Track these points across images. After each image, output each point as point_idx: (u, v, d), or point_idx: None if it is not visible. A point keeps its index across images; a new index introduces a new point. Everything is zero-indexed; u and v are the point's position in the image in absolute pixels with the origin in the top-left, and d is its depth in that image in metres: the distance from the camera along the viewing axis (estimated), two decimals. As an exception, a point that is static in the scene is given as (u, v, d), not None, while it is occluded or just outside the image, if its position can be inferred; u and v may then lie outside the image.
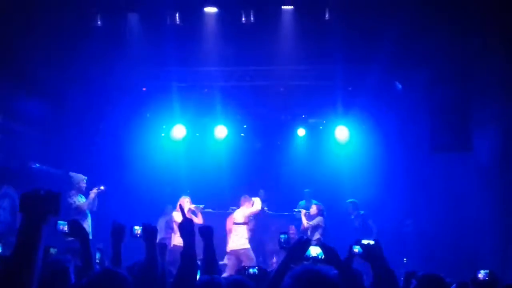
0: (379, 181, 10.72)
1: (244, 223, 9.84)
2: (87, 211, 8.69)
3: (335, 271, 3.29)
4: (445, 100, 9.01)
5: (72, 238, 3.87)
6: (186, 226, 3.41)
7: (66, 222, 3.81)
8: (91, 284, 2.63)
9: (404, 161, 10.24)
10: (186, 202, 10.08)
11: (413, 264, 9.63)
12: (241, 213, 9.87)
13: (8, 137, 9.24)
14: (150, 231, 3.65)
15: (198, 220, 10.19)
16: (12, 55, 8.39)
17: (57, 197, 2.16)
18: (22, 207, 2.09)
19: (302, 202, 10.76)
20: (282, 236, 3.70)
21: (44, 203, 2.11)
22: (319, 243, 3.46)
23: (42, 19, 8.28)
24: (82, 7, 8.44)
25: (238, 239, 9.72)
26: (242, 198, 10.01)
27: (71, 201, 8.57)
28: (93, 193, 8.91)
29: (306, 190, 10.99)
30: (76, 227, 3.73)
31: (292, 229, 10.58)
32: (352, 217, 10.30)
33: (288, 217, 10.98)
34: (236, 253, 9.62)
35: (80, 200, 8.75)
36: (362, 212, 10.27)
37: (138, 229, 3.74)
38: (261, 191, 11.90)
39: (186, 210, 9.98)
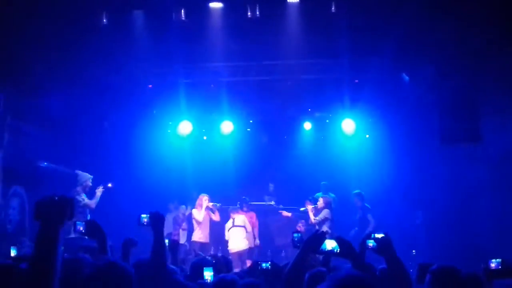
0: (387, 174, 10.72)
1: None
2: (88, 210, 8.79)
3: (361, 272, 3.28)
4: (453, 91, 8.97)
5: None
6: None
7: (83, 223, 3.83)
8: (94, 276, 2.67)
9: (411, 153, 10.21)
10: (204, 200, 10.28)
11: (422, 256, 9.64)
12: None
13: (16, 137, 9.26)
14: (157, 219, 3.66)
15: (215, 217, 10.52)
16: (18, 55, 8.40)
17: (71, 202, 2.20)
18: (38, 214, 2.12)
19: (319, 194, 10.73)
20: (295, 235, 3.71)
21: (59, 208, 2.15)
22: (333, 237, 3.46)
23: (48, 18, 8.27)
24: (88, 5, 8.41)
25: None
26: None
27: (79, 198, 8.63)
28: (99, 191, 8.98)
29: (323, 182, 10.99)
30: (93, 227, 3.75)
31: (301, 226, 10.61)
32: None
33: (295, 211, 11.00)
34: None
35: (85, 198, 8.82)
36: (368, 205, 10.29)
37: (145, 217, 3.74)
38: (271, 185, 11.96)
39: (204, 208, 10.12)
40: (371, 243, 3.66)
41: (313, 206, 10.26)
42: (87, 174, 9.05)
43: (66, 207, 2.16)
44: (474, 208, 8.92)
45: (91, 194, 9.01)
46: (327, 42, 9.36)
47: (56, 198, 2.16)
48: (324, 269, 3.54)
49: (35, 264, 2.04)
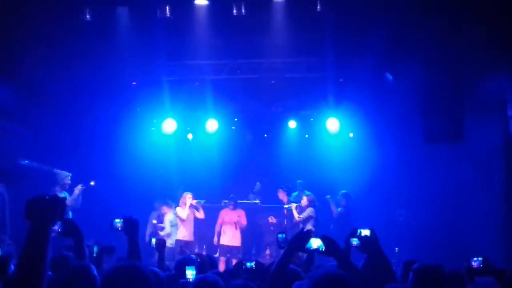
0: (371, 172, 10.79)
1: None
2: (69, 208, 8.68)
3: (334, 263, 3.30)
4: (437, 91, 9.04)
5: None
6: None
7: (59, 222, 3.75)
8: (65, 279, 2.71)
9: (396, 152, 10.28)
10: (188, 198, 10.25)
11: (406, 254, 9.72)
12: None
13: (-3, 134, 9.12)
14: (131, 224, 3.61)
15: (200, 215, 10.55)
16: (0, 53, 8.27)
17: (62, 202, 2.17)
18: (29, 214, 2.09)
19: (295, 193, 10.81)
20: (280, 235, 3.70)
21: (50, 208, 2.11)
22: (317, 235, 3.47)
23: (29, 13, 8.15)
24: (71, 1, 8.31)
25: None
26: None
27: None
28: (77, 189, 8.92)
29: (298, 181, 11.04)
30: (70, 226, 3.68)
31: (272, 219, 10.82)
32: (339, 209, 10.36)
33: (280, 210, 11.02)
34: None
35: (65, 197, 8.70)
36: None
37: (118, 222, 3.68)
38: (258, 184, 11.97)
39: (188, 206, 10.12)
40: (355, 241, 3.68)
41: (297, 204, 10.30)
42: (65, 172, 8.99)
43: (57, 207, 2.13)
44: (458, 206, 9.03)
45: (71, 192, 8.93)
46: (312, 40, 9.40)
47: (47, 197, 2.12)
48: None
49: (24, 265, 2.01)
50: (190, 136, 12.54)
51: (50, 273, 2.23)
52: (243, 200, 11.34)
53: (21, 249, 2.04)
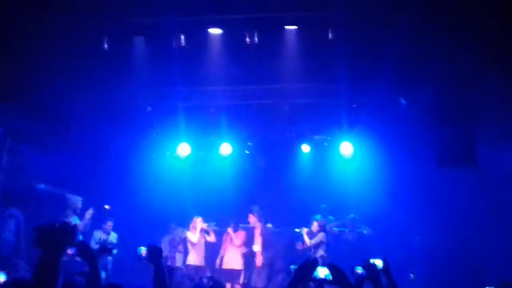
0: (385, 196, 10.75)
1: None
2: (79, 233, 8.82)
3: None
4: (450, 116, 9.05)
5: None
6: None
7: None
8: None
9: (409, 176, 10.26)
10: (198, 222, 10.25)
11: (421, 280, 9.61)
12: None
13: (14, 158, 9.31)
14: (155, 253, 3.68)
15: (211, 238, 10.47)
16: (19, 78, 8.50)
17: (72, 229, 2.20)
18: (39, 241, 2.12)
19: (318, 217, 10.72)
20: (292, 267, 3.69)
21: (61, 236, 2.14)
22: (326, 264, 3.46)
23: (49, 40, 8.40)
24: (89, 31, 8.55)
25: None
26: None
27: (67, 221, 8.66)
28: (88, 214, 9.03)
29: (322, 205, 11.03)
30: (84, 248, 3.72)
31: (300, 245, 10.56)
32: (347, 231, 10.33)
33: (294, 234, 10.97)
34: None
35: (76, 221, 8.87)
36: (364, 231, 10.40)
37: (143, 249, 3.75)
38: (255, 207, 11.91)
39: (198, 230, 10.11)
40: (359, 269, 3.66)
41: (307, 229, 10.24)
42: (76, 196, 9.12)
43: (68, 234, 2.15)
44: (472, 232, 8.93)
45: (82, 216, 9.06)
46: (325, 67, 9.47)
47: (58, 225, 2.15)
48: None
49: None
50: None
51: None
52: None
53: (32, 277, 2.07)
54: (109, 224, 9.70)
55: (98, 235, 9.62)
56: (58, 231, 2.15)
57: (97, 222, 9.56)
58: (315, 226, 10.16)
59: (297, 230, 10.55)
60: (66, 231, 2.17)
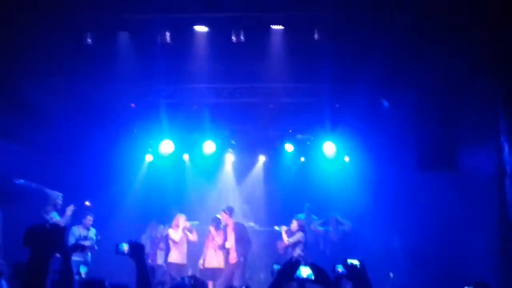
0: (367, 196, 10.87)
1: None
2: None
3: None
4: (431, 119, 9.17)
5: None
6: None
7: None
8: None
9: (392, 177, 10.38)
10: (181, 220, 10.18)
11: (400, 279, 9.76)
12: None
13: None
14: (137, 249, 3.64)
15: (193, 237, 10.38)
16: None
17: (62, 231, 2.18)
18: (28, 241, 2.09)
19: (302, 216, 10.82)
20: (275, 266, 3.70)
21: (50, 237, 2.12)
22: (304, 263, 3.49)
23: (31, 35, 8.25)
24: (73, 25, 8.43)
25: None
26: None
27: (47, 217, 8.61)
28: (69, 210, 8.97)
29: (306, 204, 11.12)
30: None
31: (280, 245, 10.61)
32: (331, 229, 10.42)
33: (277, 232, 11.01)
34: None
35: (56, 217, 8.76)
36: (345, 227, 10.51)
37: (125, 246, 3.73)
38: (245, 206, 11.96)
39: (181, 228, 10.05)
40: (340, 268, 3.71)
41: (287, 228, 10.31)
42: (56, 192, 9.02)
43: (58, 237, 2.14)
44: (452, 232, 9.07)
45: (62, 212, 8.95)
46: (310, 67, 9.52)
47: (48, 226, 2.14)
48: None
49: None
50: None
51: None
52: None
53: (22, 278, 2.06)
54: (89, 219, 9.57)
55: (78, 231, 9.49)
56: (47, 232, 2.12)
57: (76, 218, 9.44)
58: (294, 225, 10.28)
59: (276, 227, 10.67)
60: (55, 233, 2.15)
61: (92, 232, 9.66)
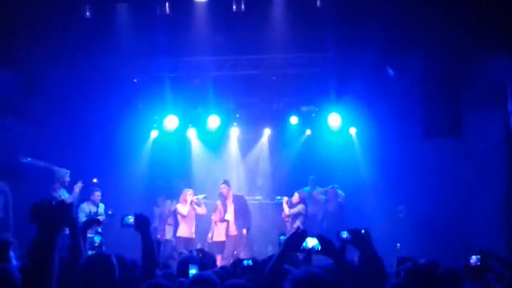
0: (373, 167, 10.80)
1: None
2: None
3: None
4: (435, 85, 9.02)
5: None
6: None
7: None
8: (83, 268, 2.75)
9: (397, 147, 10.27)
10: (189, 195, 10.23)
11: (407, 250, 9.72)
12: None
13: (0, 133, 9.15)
14: (142, 221, 3.70)
15: (201, 210, 10.45)
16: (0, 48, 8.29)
17: (69, 207, 2.14)
18: (34, 218, 2.05)
19: (307, 188, 10.84)
20: (281, 237, 3.68)
21: (57, 213, 2.07)
22: (316, 235, 3.46)
23: (30, 7, 8.16)
24: (71, -2, 8.32)
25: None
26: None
27: (56, 195, 8.63)
28: (77, 187, 8.98)
29: (311, 176, 11.12)
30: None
31: (284, 214, 10.64)
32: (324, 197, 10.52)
33: (277, 202, 11.00)
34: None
35: (64, 195, 8.79)
36: (339, 199, 10.49)
37: (130, 218, 3.74)
38: (259, 179, 11.96)
39: (188, 202, 10.10)
40: (344, 234, 3.68)
41: (288, 199, 10.32)
42: (64, 169, 9.03)
43: (64, 213, 2.09)
44: (459, 201, 9.01)
45: (70, 189, 8.97)
46: (313, 36, 9.35)
47: (54, 202, 2.09)
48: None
49: (32, 270, 1.98)
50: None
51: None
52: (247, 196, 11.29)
53: (28, 254, 2.02)
54: (97, 195, 9.58)
55: (87, 207, 9.52)
56: (54, 209, 2.08)
57: (83, 196, 9.47)
58: (296, 197, 10.33)
59: (278, 197, 10.71)
60: (62, 209, 2.11)
61: (102, 208, 9.70)
